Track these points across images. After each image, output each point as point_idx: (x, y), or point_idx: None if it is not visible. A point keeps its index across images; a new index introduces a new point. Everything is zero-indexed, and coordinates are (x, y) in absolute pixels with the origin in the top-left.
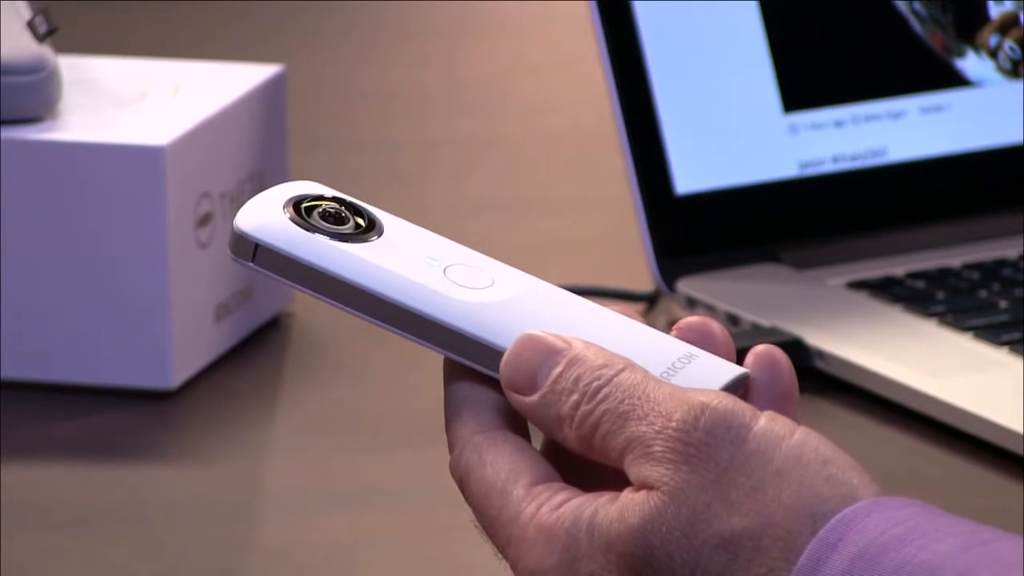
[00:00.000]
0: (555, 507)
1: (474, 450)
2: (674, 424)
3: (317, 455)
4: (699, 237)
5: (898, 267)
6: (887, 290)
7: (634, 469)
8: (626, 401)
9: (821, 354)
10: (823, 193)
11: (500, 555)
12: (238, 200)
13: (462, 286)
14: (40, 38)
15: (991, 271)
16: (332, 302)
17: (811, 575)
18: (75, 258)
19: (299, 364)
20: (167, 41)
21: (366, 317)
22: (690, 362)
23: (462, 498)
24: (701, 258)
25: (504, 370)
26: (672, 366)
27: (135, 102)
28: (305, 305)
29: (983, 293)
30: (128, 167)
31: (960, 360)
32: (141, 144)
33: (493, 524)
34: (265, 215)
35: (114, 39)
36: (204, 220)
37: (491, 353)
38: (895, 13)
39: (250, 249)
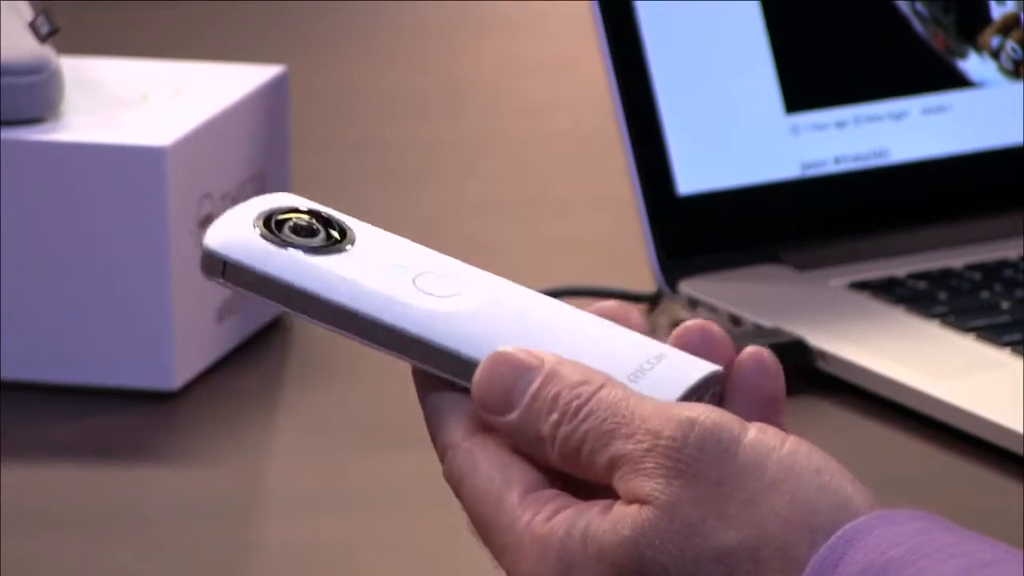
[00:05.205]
0: (548, 517)
1: (466, 456)
2: (663, 442)
3: (318, 456)
4: (701, 238)
5: (900, 268)
6: (889, 291)
7: (623, 485)
8: (609, 420)
9: (823, 355)
10: (825, 194)
11: (496, 562)
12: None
13: (431, 295)
14: (42, 39)
15: (993, 272)
16: (303, 316)
17: None
18: (76, 259)
19: (301, 365)
20: (168, 42)
21: (336, 330)
22: (659, 362)
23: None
24: (703, 259)
25: (476, 390)
26: (640, 368)
27: (136, 103)
28: None
29: (985, 294)
30: (129, 168)
31: (962, 361)
32: (142, 145)
33: (489, 531)
34: (234, 231)
35: (115, 40)
36: (205, 221)
37: (461, 364)
38: (897, 14)
39: (219, 266)
